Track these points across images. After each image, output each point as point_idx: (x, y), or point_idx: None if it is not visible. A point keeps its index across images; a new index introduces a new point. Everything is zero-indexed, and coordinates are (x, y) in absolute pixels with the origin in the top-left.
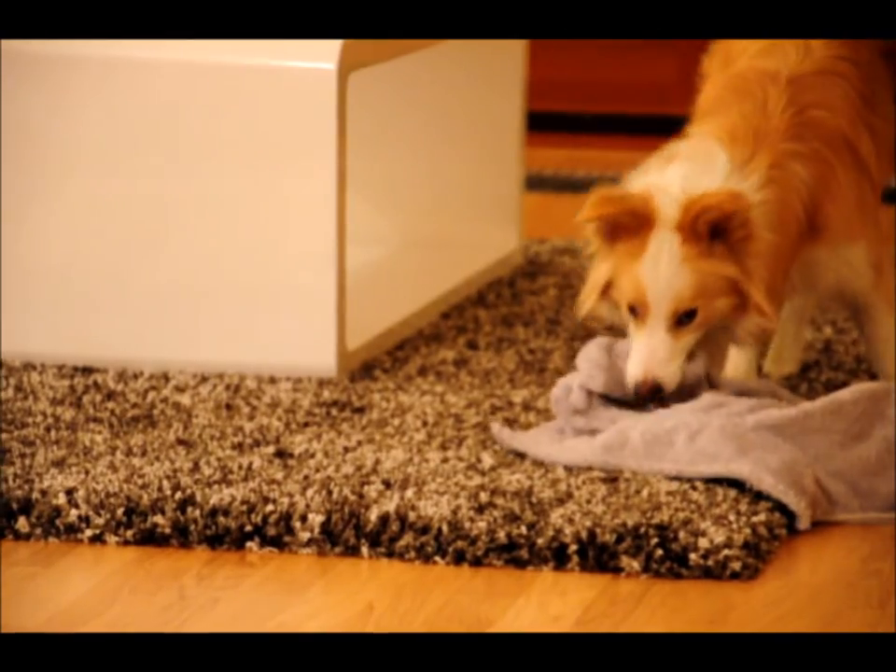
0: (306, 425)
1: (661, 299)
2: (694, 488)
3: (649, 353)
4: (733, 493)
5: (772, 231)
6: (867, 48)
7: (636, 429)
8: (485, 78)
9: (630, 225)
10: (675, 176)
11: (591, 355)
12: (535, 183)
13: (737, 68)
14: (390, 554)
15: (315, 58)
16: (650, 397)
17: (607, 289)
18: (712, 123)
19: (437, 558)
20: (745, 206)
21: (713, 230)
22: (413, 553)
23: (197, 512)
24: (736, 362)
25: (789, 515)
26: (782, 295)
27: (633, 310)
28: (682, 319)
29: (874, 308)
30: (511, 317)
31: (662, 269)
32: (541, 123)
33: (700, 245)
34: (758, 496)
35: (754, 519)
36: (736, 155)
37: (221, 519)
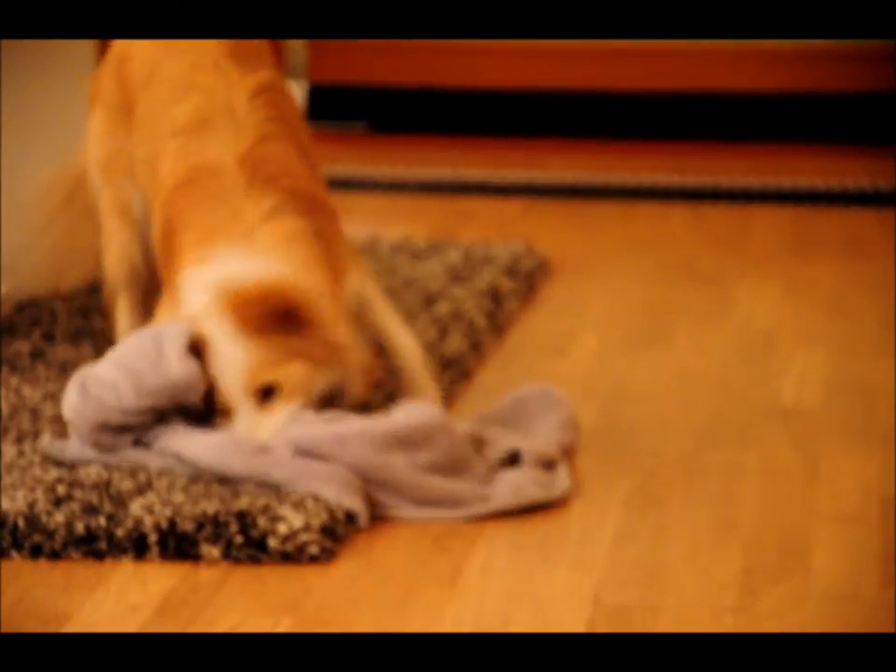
0: None
1: None
2: None
3: None
4: None
5: None
6: (277, 67)
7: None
8: None
9: None
10: None
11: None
12: None
13: (179, 165)
14: None
15: None
16: None
17: None
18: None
19: (13, 552)
20: None
21: None
22: None
23: None
24: None
25: None
26: None
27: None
28: None
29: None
30: (89, 308)
31: None
32: None
33: None
34: None
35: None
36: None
37: None
